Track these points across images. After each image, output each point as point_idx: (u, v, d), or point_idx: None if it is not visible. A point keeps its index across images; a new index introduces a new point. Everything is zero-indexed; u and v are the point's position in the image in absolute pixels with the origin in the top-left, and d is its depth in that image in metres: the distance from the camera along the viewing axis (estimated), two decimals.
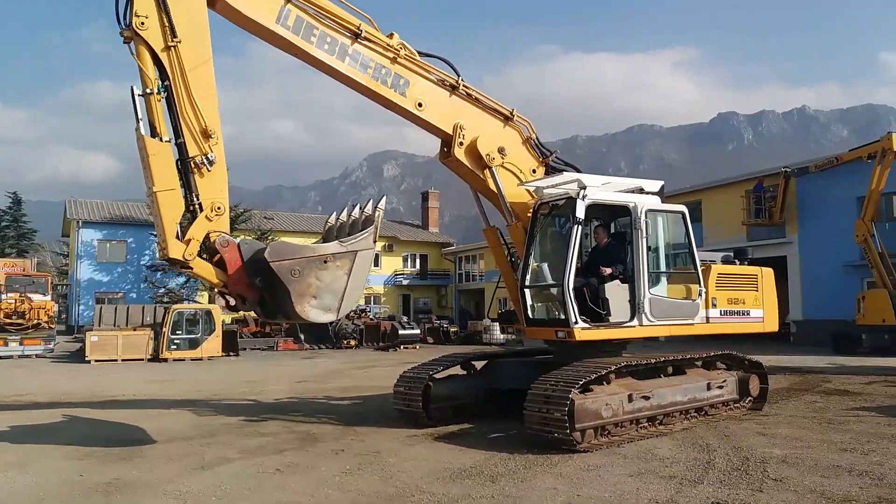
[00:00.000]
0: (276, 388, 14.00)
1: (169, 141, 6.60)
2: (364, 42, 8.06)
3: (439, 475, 6.38)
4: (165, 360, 22.07)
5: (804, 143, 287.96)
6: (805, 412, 9.96)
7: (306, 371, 18.36)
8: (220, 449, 7.74)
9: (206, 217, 6.62)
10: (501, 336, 31.58)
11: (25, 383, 15.42)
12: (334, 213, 7.98)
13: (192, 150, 6.66)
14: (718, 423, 8.83)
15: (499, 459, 6.95)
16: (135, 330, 23.16)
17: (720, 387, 9.31)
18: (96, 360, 21.46)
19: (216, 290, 6.96)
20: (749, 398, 9.79)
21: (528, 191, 9.37)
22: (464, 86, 8.86)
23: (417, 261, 54.40)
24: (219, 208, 6.68)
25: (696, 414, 8.95)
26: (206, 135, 6.71)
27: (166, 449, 7.80)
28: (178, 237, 6.45)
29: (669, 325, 9.06)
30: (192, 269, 6.56)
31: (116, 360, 21.71)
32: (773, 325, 10.39)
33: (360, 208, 7.49)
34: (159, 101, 6.60)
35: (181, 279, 40.61)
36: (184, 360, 22.28)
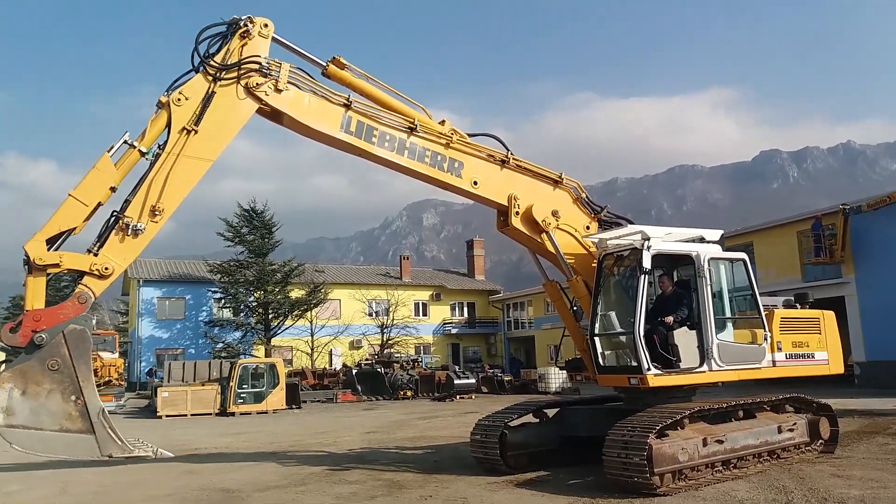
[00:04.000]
0: (348, 439, 14.49)
1: (114, 189, 6.88)
2: (420, 134, 8.78)
3: None
4: (233, 413, 22.79)
5: (852, 178, 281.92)
6: (878, 454, 10.01)
7: (371, 422, 18.82)
8: (315, 496, 8.25)
9: (92, 266, 6.57)
10: (555, 385, 31.57)
11: None
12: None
13: (131, 213, 6.88)
14: (792, 466, 8.99)
15: None
16: (203, 385, 24.01)
17: (791, 430, 9.48)
18: (167, 416, 22.28)
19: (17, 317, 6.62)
20: (820, 441, 9.90)
21: (583, 246, 9.84)
22: (513, 158, 9.49)
23: (465, 309, 54.80)
24: (106, 270, 6.66)
25: (768, 457, 9.12)
26: (154, 211, 6.97)
27: (265, 497, 8.33)
28: (47, 244, 6.47)
29: (738, 369, 9.30)
30: (30, 273, 6.42)
31: (186, 415, 22.51)
32: (838, 368, 10.52)
33: (148, 445, 6.92)
34: (138, 159, 7.05)
35: (238, 334, 41.85)
36: (250, 413, 22.98)
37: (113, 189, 6.91)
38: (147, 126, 7.19)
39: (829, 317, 10.64)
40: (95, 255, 6.68)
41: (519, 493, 8.05)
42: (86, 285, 6.56)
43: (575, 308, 10.05)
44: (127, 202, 6.93)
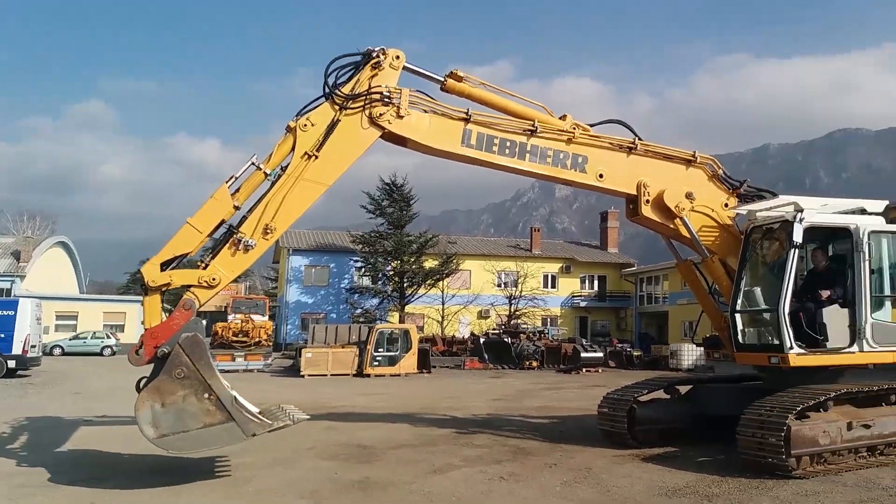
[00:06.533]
0: (475, 405, 14.88)
1: (237, 208, 7.28)
2: (540, 135, 8.66)
3: (655, 492, 6.73)
4: (368, 375, 24.04)
5: None
6: None
7: (497, 390, 19.18)
8: (444, 457, 8.63)
9: (200, 279, 6.97)
10: (688, 362, 30.51)
11: (257, 395, 17.44)
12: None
13: (245, 229, 7.19)
14: None
15: (711, 481, 7.13)
16: (342, 347, 25.46)
17: None
18: (309, 375, 23.84)
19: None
20: None
21: (721, 225, 9.40)
22: (641, 144, 9.13)
23: (595, 282, 53.85)
24: (214, 280, 7.00)
25: None
26: (267, 230, 7.23)
27: (398, 454, 8.82)
28: (162, 266, 6.94)
29: (894, 350, 8.61)
30: (146, 294, 6.93)
31: (326, 375, 23.99)
32: None
33: (284, 408, 7.80)
34: (262, 179, 7.37)
35: (375, 300, 43.83)
36: (384, 375, 24.14)
37: (237, 208, 7.34)
38: (273, 149, 7.54)
39: None
40: (205, 266, 7.08)
41: (645, 467, 7.99)
42: (192, 293, 6.97)
43: (713, 287, 9.68)
44: (244, 218, 7.28)
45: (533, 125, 8.61)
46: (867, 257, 8.46)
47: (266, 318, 33.38)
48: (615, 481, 7.21)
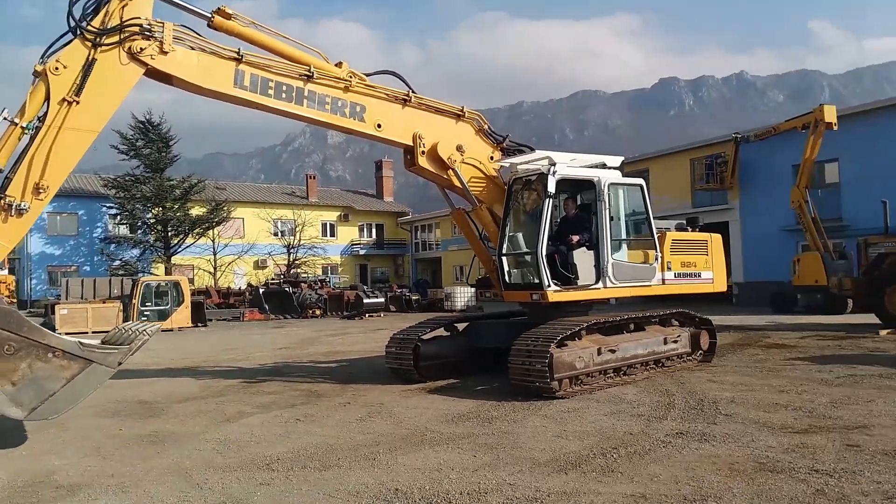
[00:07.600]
0: (260, 355, 14.74)
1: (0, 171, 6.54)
2: (317, 81, 8.59)
3: (442, 419, 7.37)
4: None
5: (743, 108, 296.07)
6: (748, 363, 11.29)
7: (282, 339, 19.09)
8: (235, 405, 8.55)
9: None
10: (461, 303, 32.79)
11: None
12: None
13: (12, 192, 6.44)
14: (674, 373, 10.03)
15: (490, 406, 7.97)
16: (104, 302, 23.37)
17: (675, 341, 10.51)
18: (66, 333, 21.54)
19: None
20: (700, 351, 11.03)
21: (488, 177, 10.21)
22: (415, 96, 9.50)
23: (374, 230, 55.02)
24: None
25: (654, 365, 10.12)
26: (38, 189, 6.54)
27: (185, 407, 8.55)
28: None
29: (630, 286, 10.13)
30: None
31: (87, 332, 21.91)
32: (721, 286, 11.60)
33: (127, 327, 7.16)
34: (20, 135, 6.52)
35: (136, 251, 40.44)
36: None
37: None
38: (26, 99, 6.61)
39: (716, 239, 11.64)
40: None
41: (431, 398, 8.67)
42: None
43: (483, 233, 10.53)
44: (8, 180, 6.44)
45: (309, 70, 8.48)
46: (607, 206, 9.74)
47: (6, 271, 29.40)
48: (406, 413, 7.75)
